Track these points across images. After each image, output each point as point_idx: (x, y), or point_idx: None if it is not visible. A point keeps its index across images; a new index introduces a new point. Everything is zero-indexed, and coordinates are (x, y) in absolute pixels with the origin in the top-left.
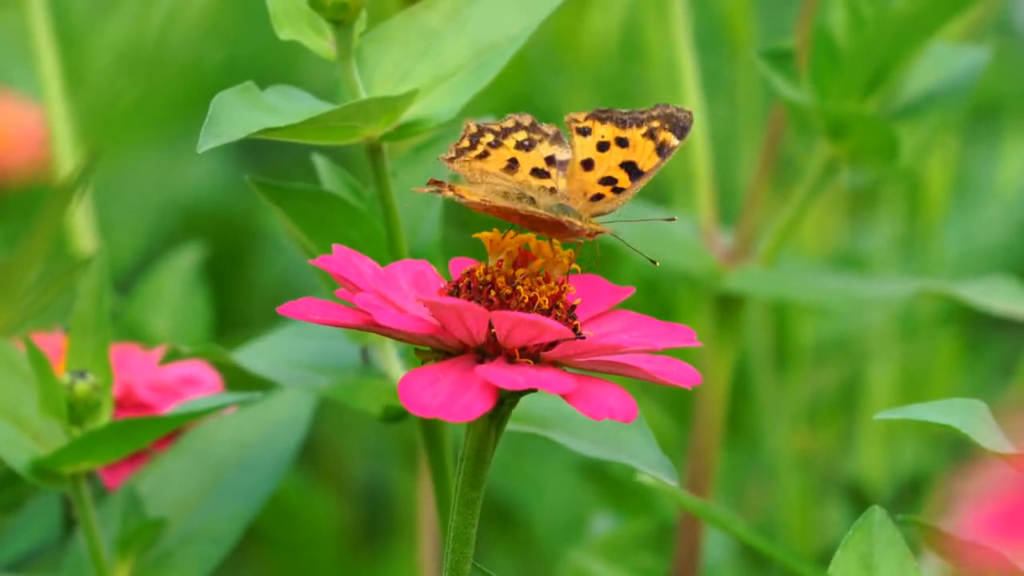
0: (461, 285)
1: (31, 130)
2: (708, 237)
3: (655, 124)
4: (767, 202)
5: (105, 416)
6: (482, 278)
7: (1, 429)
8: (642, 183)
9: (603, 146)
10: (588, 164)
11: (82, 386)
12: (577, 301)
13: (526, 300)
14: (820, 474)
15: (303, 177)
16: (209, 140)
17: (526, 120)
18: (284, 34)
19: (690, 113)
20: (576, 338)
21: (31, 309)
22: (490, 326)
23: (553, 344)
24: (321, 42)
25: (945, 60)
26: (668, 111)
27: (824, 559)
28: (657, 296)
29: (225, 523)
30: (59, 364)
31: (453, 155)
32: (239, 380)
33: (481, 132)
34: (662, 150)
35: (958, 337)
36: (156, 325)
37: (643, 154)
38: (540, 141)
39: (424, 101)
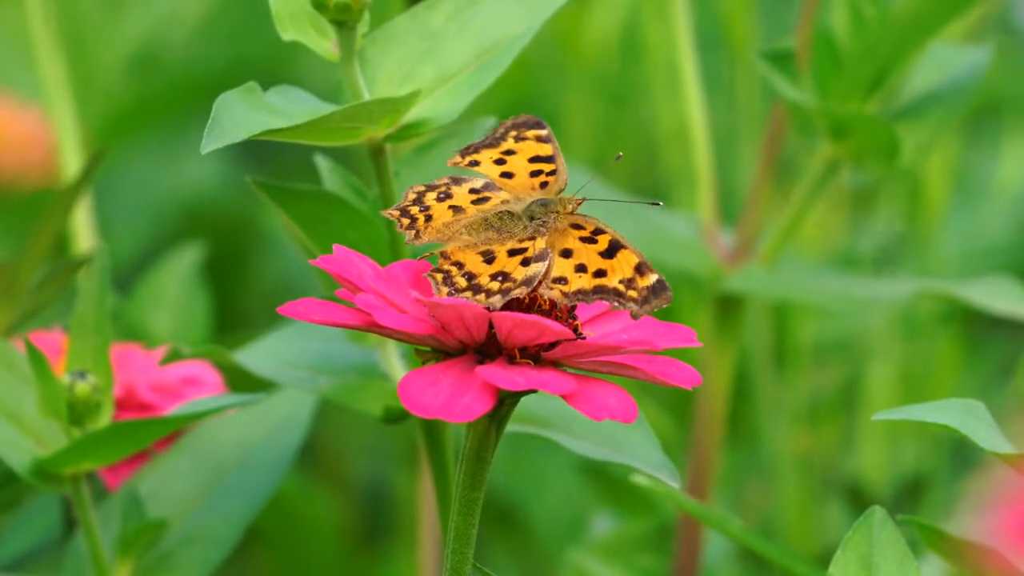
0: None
1: (30, 130)
2: (709, 237)
3: (512, 133)
4: (768, 202)
5: (106, 417)
6: None
7: (1, 430)
8: (560, 163)
9: (500, 161)
10: (507, 175)
11: (82, 387)
12: None
13: (526, 300)
14: (820, 474)
15: (304, 177)
16: (212, 141)
17: (414, 192)
18: (287, 35)
19: (531, 116)
20: (576, 338)
21: (32, 309)
22: (490, 326)
23: (553, 344)
24: (324, 43)
25: (946, 60)
26: (509, 123)
27: (824, 559)
28: None
29: (226, 524)
30: (59, 363)
31: (411, 234)
32: (240, 380)
33: (405, 211)
34: (541, 139)
35: (958, 337)
36: (156, 325)
37: (532, 148)
38: (447, 189)
39: (427, 102)
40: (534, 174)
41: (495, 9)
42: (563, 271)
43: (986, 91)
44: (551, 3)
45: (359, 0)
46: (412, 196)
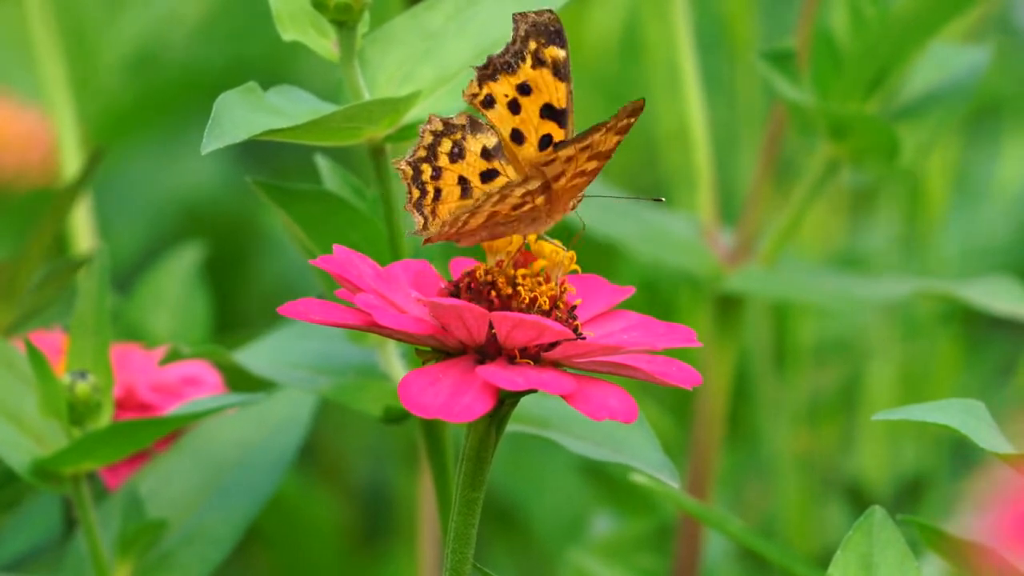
0: (461, 285)
1: (30, 130)
2: (709, 237)
3: (532, 45)
4: (768, 202)
5: (106, 417)
6: (482, 278)
7: (1, 430)
8: (571, 122)
9: (514, 106)
10: (517, 136)
11: (82, 387)
12: (578, 301)
13: (526, 301)
14: (820, 474)
15: (304, 176)
16: (212, 141)
17: (437, 124)
18: (287, 35)
19: (550, 11)
20: (577, 339)
21: (32, 309)
22: (490, 327)
23: (554, 345)
24: (324, 43)
25: (946, 60)
26: (530, 20)
27: (824, 559)
28: (657, 296)
29: (226, 524)
30: (59, 363)
31: (420, 222)
32: (239, 380)
33: (417, 169)
34: (558, 71)
35: (958, 337)
36: (156, 325)
37: (548, 88)
38: (463, 139)
39: (427, 102)
40: (543, 144)
41: (495, 9)
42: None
43: (986, 91)
44: (551, 3)
45: (359, 0)
46: (428, 139)
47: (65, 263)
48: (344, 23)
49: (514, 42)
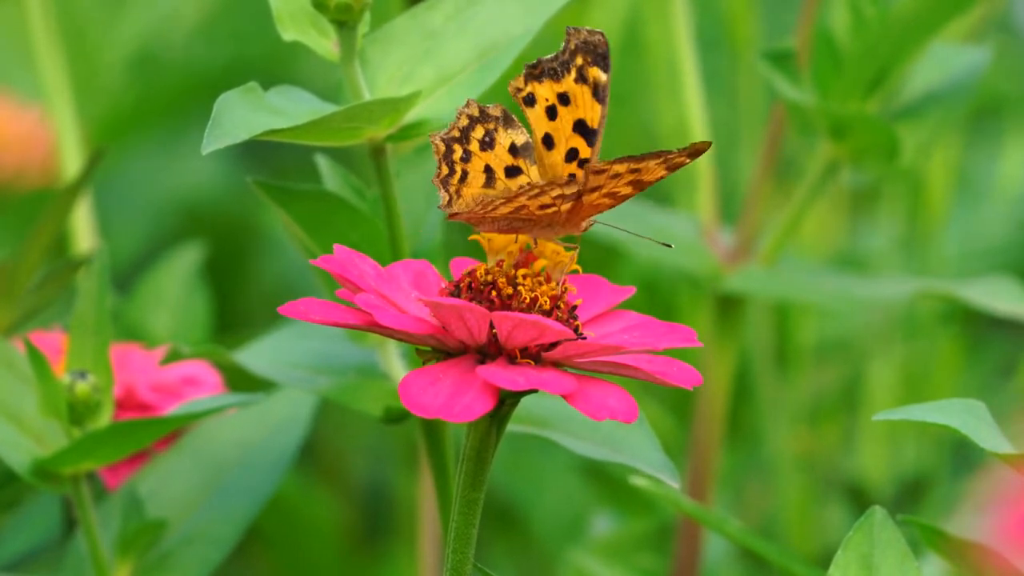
0: (462, 285)
1: (30, 130)
2: (709, 237)
3: (579, 61)
4: (768, 202)
5: (106, 417)
6: (483, 278)
7: (1, 430)
8: (599, 145)
9: (552, 112)
10: (548, 141)
11: (82, 387)
12: (578, 301)
13: (527, 300)
14: (821, 474)
15: (304, 176)
16: (213, 142)
17: (474, 109)
18: (288, 35)
19: (601, 34)
20: (577, 339)
21: (32, 309)
22: (491, 327)
23: (554, 345)
24: (324, 43)
25: (946, 60)
26: (582, 37)
27: (825, 559)
28: (658, 296)
29: (226, 524)
30: (59, 363)
31: (445, 198)
32: (240, 380)
33: (449, 147)
34: (597, 92)
35: (959, 337)
36: (156, 325)
37: (585, 105)
38: (495, 130)
39: (427, 102)
40: (570, 156)
41: (495, 9)
42: None
43: (987, 91)
44: (552, 3)
45: (360, 0)
46: (464, 121)
47: (65, 263)
48: (344, 23)
49: (564, 52)
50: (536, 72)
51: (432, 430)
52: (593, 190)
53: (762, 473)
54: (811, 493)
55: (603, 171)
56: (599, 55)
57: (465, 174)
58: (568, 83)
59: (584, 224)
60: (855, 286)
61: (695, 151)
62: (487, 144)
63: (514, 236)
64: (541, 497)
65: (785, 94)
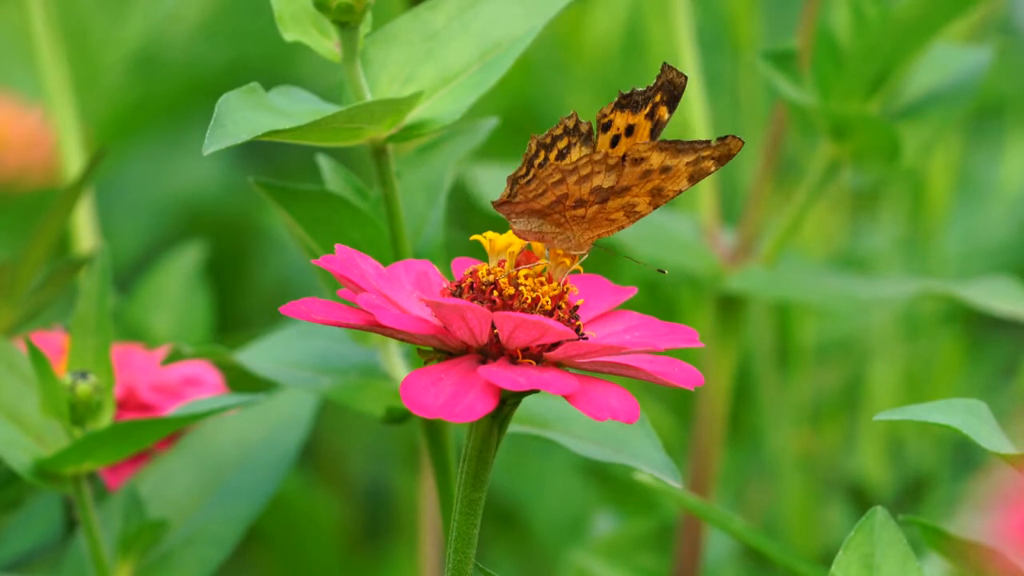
0: (464, 285)
1: (32, 130)
2: (710, 237)
3: (657, 98)
4: (769, 202)
5: (107, 417)
6: (485, 278)
7: (2, 430)
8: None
9: (615, 140)
10: None
11: (83, 387)
12: (580, 302)
13: (529, 301)
14: (822, 474)
15: (305, 176)
16: (215, 142)
17: (571, 121)
18: (289, 35)
19: (685, 77)
20: (579, 339)
21: (33, 309)
22: (493, 327)
23: (556, 345)
24: (326, 43)
25: (947, 60)
26: (669, 76)
27: (826, 559)
28: (659, 296)
29: (226, 524)
30: (60, 363)
31: (506, 195)
32: (241, 380)
33: (537, 152)
34: (655, 129)
35: (960, 337)
36: (157, 325)
37: (642, 139)
38: (574, 144)
39: (429, 103)
40: None
41: (497, 10)
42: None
43: (988, 91)
44: (553, 4)
45: (361, 0)
46: (559, 130)
47: (66, 263)
48: (346, 23)
49: (651, 87)
50: (623, 102)
51: (433, 430)
52: (623, 191)
53: (763, 473)
54: (812, 493)
55: (642, 159)
56: (674, 97)
57: (534, 178)
58: (640, 116)
59: (592, 239)
60: (856, 286)
61: (726, 153)
62: (562, 156)
63: (514, 236)
64: (542, 497)
65: (786, 94)
